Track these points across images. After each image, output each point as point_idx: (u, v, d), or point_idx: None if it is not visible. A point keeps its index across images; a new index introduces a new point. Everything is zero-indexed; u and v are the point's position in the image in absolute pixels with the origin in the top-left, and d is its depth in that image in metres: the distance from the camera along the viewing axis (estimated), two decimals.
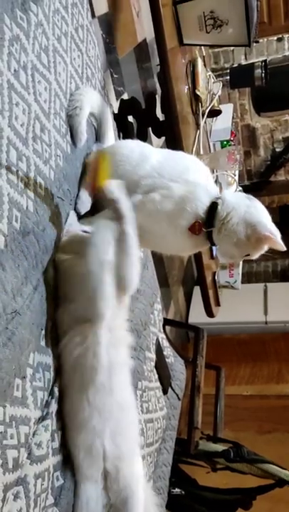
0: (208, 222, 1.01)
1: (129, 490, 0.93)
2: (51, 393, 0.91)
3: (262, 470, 1.87)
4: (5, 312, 0.78)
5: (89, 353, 0.88)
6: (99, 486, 0.93)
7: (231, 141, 2.15)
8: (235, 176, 1.99)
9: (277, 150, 4.08)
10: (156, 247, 1.19)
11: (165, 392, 1.54)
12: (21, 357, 0.82)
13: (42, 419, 0.87)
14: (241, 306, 3.49)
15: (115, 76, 2.65)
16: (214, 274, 2.01)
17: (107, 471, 0.92)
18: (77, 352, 0.89)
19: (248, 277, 4.45)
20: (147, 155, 1.09)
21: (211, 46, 3.06)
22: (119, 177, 1.05)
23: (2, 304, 0.76)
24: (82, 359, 0.89)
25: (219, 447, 1.91)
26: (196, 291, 4.01)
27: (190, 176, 1.05)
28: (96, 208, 1.13)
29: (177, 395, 1.65)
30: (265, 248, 1.01)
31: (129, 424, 0.96)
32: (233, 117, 2.48)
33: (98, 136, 1.20)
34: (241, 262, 2.37)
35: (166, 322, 2.03)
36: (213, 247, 1.91)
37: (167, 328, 2.14)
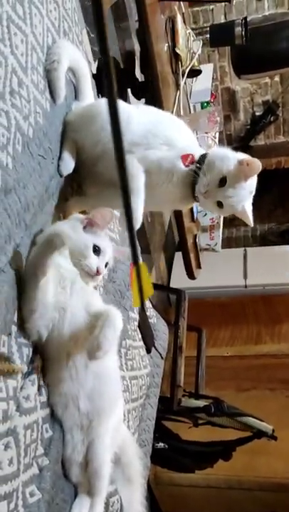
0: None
1: (98, 442, 0.98)
2: (36, 349, 0.93)
3: (241, 423, 1.96)
4: None
5: None
6: (79, 436, 0.97)
7: (211, 102, 2.13)
8: (215, 138, 1.98)
9: (257, 114, 4.05)
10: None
11: (148, 351, 1.58)
12: (7, 314, 0.83)
13: (28, 373, 0.89)
14: (221, 271, 3.55)
15: (92, 36, 2.56)
16: (195, 236, 2.03)
17: (83, 425, 0.97)
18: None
19: (228, 242, 4.51)
20: (133, 114, 1.09)
21: (191, 3, 2.98)
22: (106, 135, 1.05)
23: None
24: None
25: (201, 403, 1.99)
26: (177, 256, 4.05)
27: (181, 138, 1.09)
28: (79, 171, 1.12)
29: (160, 354, 1.69)
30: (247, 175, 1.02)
31: (107, 385, 1.00)
32: (213, 78, 2.45)
33: (76, 93, 1.18)
34: (222, 226, 2.40)
35: None
36: (195, 207, 1.94)
37: None
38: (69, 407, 0.95)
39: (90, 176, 1.16)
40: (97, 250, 0.93)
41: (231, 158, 1.03)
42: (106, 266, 0.96)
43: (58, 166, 1.06)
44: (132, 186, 1.03)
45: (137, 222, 1.04)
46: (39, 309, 0.88)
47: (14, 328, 0.86)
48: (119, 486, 1.12)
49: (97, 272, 0.92)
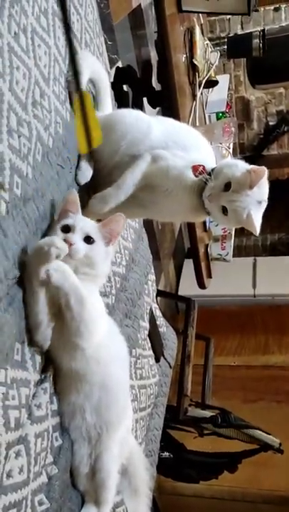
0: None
1: (106, 453, 0.98)
2: (48, 358, 0.93)
3: (248, 435, 1.94)
4: (6, 278, 0.78)
5: None
6: (86, 450, 0.97)
7: (226, 113, 2.14)
8: (229, 148, 1.99)
9: (271, 123, 4.05)
10: (156, 210, 1.19)
11: (157, 360, 1.58)
12: (21, 322, 0.84)
13: (41, 382, 0.90)
14: (231, 280, 3.54)
15: (109, 43, 2.58)
16: (207, 246, 2.03)
17: (90, 437, 0.97)
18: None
19: (238, 251, 4.50)
20: (152, 125, 1.10)
21: (208, 14, 2.99)
22: (127, 145, 1.08)
23: (3, 269, 0.77)
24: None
25: (207, 413, 1.98)
26: (187, 264, 4.05)
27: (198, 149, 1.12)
28: (96, 180, 1.13)
29: (169, 363, 1.69)
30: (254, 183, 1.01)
31: (114, 396, 0.99)
32: (228, 89, 2.45)
33: (96, 103, 1.19)
34: (233, 235, 2.39)
35: (158, 293, 2.06)
36: (207, 219, 1.94)
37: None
38: (76, 417, 0.95)
39: (106, 184, 1.17)
40: (66, 229, 0.88)
41: (240, 166, 1.04)
42: (89, 241, 0.89)
43: (76, 175, 1.07)
44: (123, 179, 1.06)
45: (103, 210, 1.06)
46: (44, 322, 0.86)
47: (28, 336, 0.86)
48: (126, 496, 1.12)
49: (69, 244, 0.84)
